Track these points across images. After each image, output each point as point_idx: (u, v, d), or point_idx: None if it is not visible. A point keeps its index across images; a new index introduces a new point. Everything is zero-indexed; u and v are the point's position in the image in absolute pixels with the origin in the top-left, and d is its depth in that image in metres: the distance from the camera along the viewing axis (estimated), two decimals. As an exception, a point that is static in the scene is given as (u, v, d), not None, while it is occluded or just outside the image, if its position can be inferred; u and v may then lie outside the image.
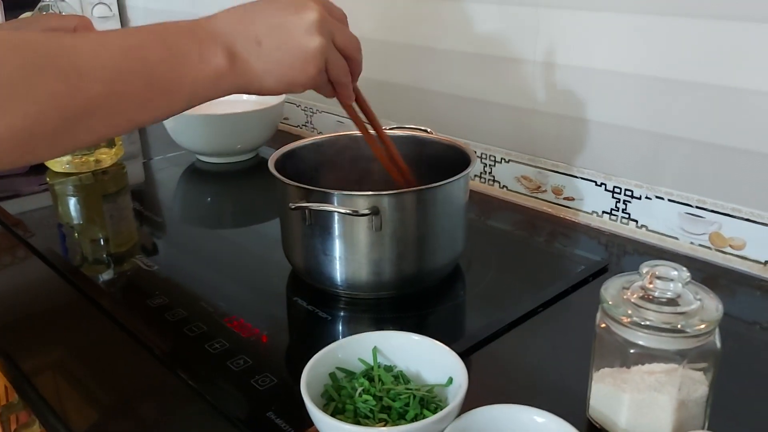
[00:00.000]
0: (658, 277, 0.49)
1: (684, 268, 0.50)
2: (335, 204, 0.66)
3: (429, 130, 0.83)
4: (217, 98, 0.54)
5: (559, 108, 0.89)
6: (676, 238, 0.81)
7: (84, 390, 0.61)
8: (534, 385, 0.60)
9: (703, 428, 0.50)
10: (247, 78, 0.54)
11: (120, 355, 0.65)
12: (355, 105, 0.68)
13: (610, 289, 0.52)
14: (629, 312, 0.49)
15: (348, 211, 0.65)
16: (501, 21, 0.92)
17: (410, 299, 0.72)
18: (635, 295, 0.50)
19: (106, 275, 0.81)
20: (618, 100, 0.83)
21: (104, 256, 0.87)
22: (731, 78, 0.72)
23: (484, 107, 0.98)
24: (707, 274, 0.76)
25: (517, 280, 0.79)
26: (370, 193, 0.66)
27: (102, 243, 0.90)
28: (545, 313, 0.70)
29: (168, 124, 1.14)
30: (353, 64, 0.61)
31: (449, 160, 0.78)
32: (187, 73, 0.51)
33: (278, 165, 0.74)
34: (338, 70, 0.59)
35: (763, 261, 0.75)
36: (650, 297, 0.49)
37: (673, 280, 0.49)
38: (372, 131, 0.73)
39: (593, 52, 0.83)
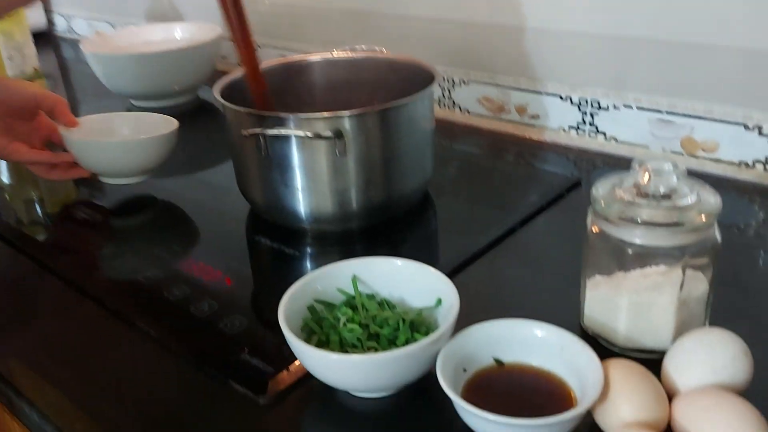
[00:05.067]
0: (652, 172, 0.46)
1: (678, 162, 0.47)
2: (293, 128, 0.60)
3: (383, 49, 0.77)
4: None
5: (516, 19, 0.84)
6: (647, 147, 0.79)
7: (36, 354, 0.54)
8: (522, 302, 0.57)
9: (704, 325, 0.48)
10: None
11: (71, 313, 0.59)
12: None
13: (601, 189, 0.48)
14: (623, 210, 0.46)
15: (308, 134, 0.59)
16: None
17: (380, 230, 0.68)
18: (628, 193, 0.47)
19: (46, 232, 0.74)
20: (577, 4, 0.78)
21: (41, 214, 0.79)
22: (699, -30, 0.69)
23: (437, 26, 0.92)
24: (680, 181, 0.74)
25: (490, 204, 0.75)
26: (331, 114, 0.61)
27: (37, 202, 0.82)
28: (523, 230, 0.67)
29: (97, 67, 1.05)
30: None
31: (408, 80, 0.72)
32: None
33: (224, 95, 0.67)
34: None
35: (737, 161, 0.73)
36: (645, 193, 0.46)
37: (667, 173, 0.46)
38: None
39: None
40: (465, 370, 0.44)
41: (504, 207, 0.73)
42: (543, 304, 0.55)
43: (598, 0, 0.77)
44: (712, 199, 0.46)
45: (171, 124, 0.77)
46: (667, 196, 0.46)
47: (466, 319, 0.45)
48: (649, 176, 0.46)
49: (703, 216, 0.45)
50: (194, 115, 1.08)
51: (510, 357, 0.45)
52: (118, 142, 0.77)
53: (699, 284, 0.47)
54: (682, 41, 0.72)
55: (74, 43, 1.52)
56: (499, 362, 0.45)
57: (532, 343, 0.45)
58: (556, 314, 0.47)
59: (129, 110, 1.09)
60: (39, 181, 0.81)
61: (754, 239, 0.64)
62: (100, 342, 0.55)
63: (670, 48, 0.73)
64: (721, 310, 0.50)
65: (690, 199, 0.45)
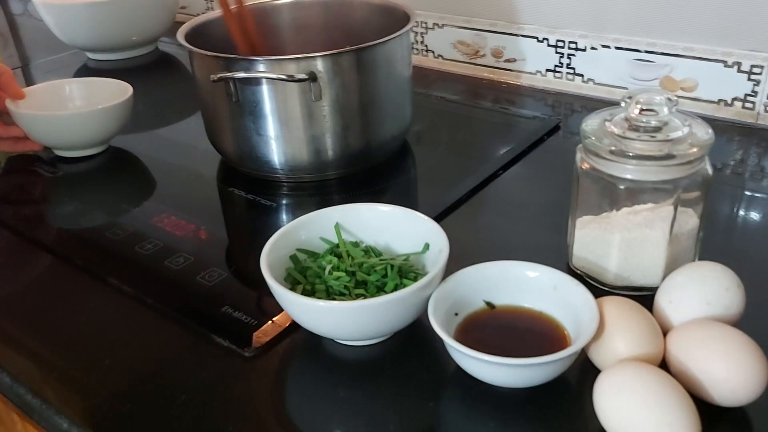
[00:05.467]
0: (643, 104, 0.45)
1: (670, 93, 0.45)
2: (264, 70, 0.57)
3: (356, -10, 0.74)
4: None
5: (493, -40, 0.81)
6: (625, 88, 0.77)
7: (7, 320, 0.51)
8: (508, 245, 0.56)
9: (694, 260, 0.48)
10: None
11: (40, 274, 0.56)
12: None
13: (591, 124, 0.47)
14: (615, 144, 0.44)
15: (281, 76, 0.56)
16: None
17: (358, 179, 0.65)
18: (619, 127, 0.45)
19: (2, 186, 0.70)
20: (557, -58, 0.76)
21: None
22: None
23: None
24: (659, 121, 0.73)
25: (470, 150, 0.73)
26: (303, 55, 0.58)
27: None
28: (506, 175, 0.66)
29: (49, 19, 0.99)
30: None
31: (382, 22, 0.70)
32: None
33: (189, 41, 0.64)
34: None
35: (716, 100, 0.72)
36: (636, 127, 0.45)
37: (658, 105, 0.45)
38: None
39: None
40: (456, 314, 0.43)
41: (483, 154, 0.71)
42: (528, 248, 0.54)
43: (575, -64, 0.74)
44: (704, 132, 0.45)
45: (125, 90, 0.73)
46: (658, 129, 0.45)
47: (452, 262, 0.44)
48: (640, 109, 0.45)
49: (695, 148, 0.43)
50: (154, 67, 1.03)
51: (502, 299, 0.44)
52: (68, 114, 0.71)
53: (689, 219, 0.47)
54: (661, -23, 0.70)
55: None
56: (490, 305, 0.44)
57: (524, 284, 0.44)
58: (541, 257, 0.46)
59: (85, 64, 1.04)
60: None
61: (734, 177, 0.64)
62: (69, 300, 0.52)
63: (650, -16, 0.72)
64: (708, 244, 0.49)
65: (681, 132, 0.44)
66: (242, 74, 0.56)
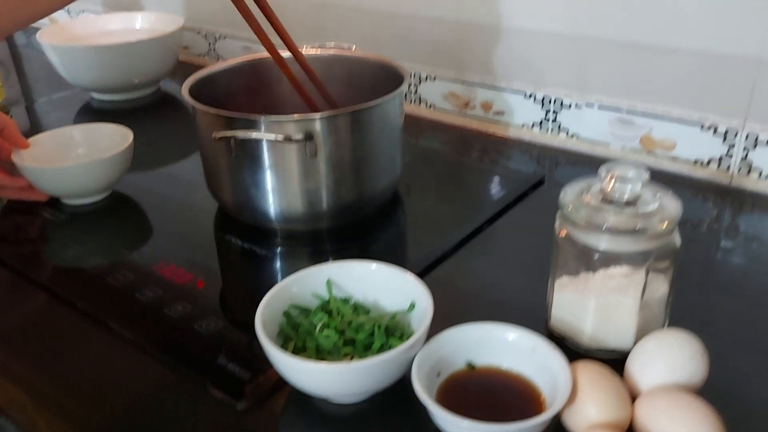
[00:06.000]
0: (617, 179, 0.48)
1: (642, 167, 0.48)
2: (264, 130, 0.60)
3: (352, 47, 0.77)
4: None
5: (483, 17, 0.85)
6: (608, 145, 0.81)
7: (4, 360, 0.53)
8: (490, 303, 0.58)
9: (664, 326, 0.51)
10: None
11: (39, 315, 0.58)
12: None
13: (569, 194, 0.50)
14: (590, 216, 0.48)
15: (279, 138, 0.59)
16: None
17: (350, 229, 0.68)
18: (595, 199, 0.48)
19: (6, 229, 0.72)
20: (544, 5, 0.80)
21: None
22: (659, -25, 0.71)
23: (405, 21, 0.92)
24: (639, 178, 0.77)
25: (457, 201, 0.76)
26: (301, 116, 0.61)
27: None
28: (490, 230, 0.69)
29: (55, 59, 1.02)
30: None
31: (377, 78, 0.73)
32: None
33: (193, 93, 0.67)
34: None
35: (693, 160, 0.76)
36: (610, 199, 0.48)
37: (632, 180, 0.48)
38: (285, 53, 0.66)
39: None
40: (439, 374, 0.45)
41: (471, 205, 0.74)
42: (511, 303, 0.57)
43: (563, 2, 0.78)
44: (674, 206, 0.48)
45: (126, 136, 0.76)
46: (631, 203, 0.48)
47: (437, 318, 0.47)
48: (615, 183, 0.48)
49: (665, 223, 0.47)
50: (156, 108, 1.06)
51: (482, 360, 0.47)
52: (70, 166, 0.73)
53: (660, 286, 0.50)
54: (642, 44, 0.74)
55: (28, 29, 1.47)
56: (471, 366, 0.46)
57: (504, 345, 0.46)
58: (525, 315, 0.49)
59: (88, 103, 1.07)
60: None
61: (708, 235, 0.67)
62: (70, 344, 0.54)
63: (631, 50, 0.75)
64: (678, 306, 0.52)
65: (653, 206, 0.47)
66: (242, 134, 0.59)
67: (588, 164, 0.81)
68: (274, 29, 0.64)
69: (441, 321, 0.47)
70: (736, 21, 0.68)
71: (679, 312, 0.52)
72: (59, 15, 1.46)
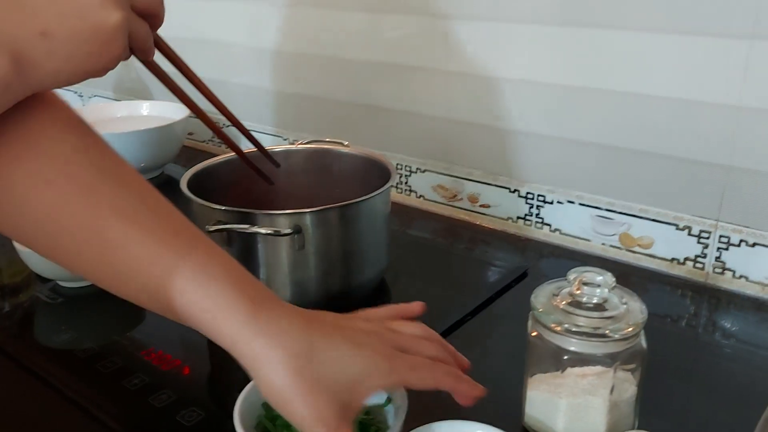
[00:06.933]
0: (585, 283, 0.51)
1: (609, 273, 0.51)
2: (256, 224, 0.63)
3: (346, 143, 0.82)
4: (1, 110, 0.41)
5: (473, 116, 0.90)
6: (589, 240, 0.84)
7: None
8: (468, 397, 0.59)
9: (633, 427, 0.52)
10: (36, 81, 0.41)
11: (26, 399, 0.59)
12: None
13: (540, 296, 0.52)
14: (560, 319, 0.50)
15: (269, 232, 0.63)
16: (411, 29, 0.92)
17: (336, 317, 0.70)
18: (564, 302, 0.51)
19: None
20: (529, 107, 0.85)
21: (-3, 290, 0.80)
22: (634, 84, 0.75)
23: (398, 116, 0.98)
24: (619, 273, 0.77)
25: (442, 291, 0.79)
26: (292, 211, 0.64)
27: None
28: (472, 322, 0.71)
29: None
30: (155, 21, 0.49)
31: (367, 173, 0.77)
32: None
33: (191, 184, 0.71)
34: (142, 37, 0.47)
35: (669, 258, 0.79)
36: (578, 303, 0.50)
37: (599, 285, 0.51)
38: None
39: (505, 62, 0.85)
40: (411, 471, 0.46)
41: (456, 295, 0.76)
42: (489, 396, 0.58)
43: (546, 104, 0.83)
44: (639, 310, 0.50)
45: None
46: (598, 306, 0.50)
47: (415, 412, 0.48)
48: (583, 287, 0.51)
49: (631, 327, 0.49)
50: (159, 191, 1.10)
51: (453, 457, 0.48)
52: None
53: (629, 386, 0.51)
54: (620, 146, 0.79)
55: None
56: (443, 463, 0.48)
57: (474, 444, 0.48)
58: (500, 410, 0.50)
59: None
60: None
61: (686, 330, 0.69)
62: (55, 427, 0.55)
63: (610, 151, 0.80)
64: (653, 399, 0.53)
65: (619, 311, 0.50)
66: (235, 227, 0.63)
67: (571, 258, 0.84)
68: (189, 80, 0.62)
69: (417, 415, 0.48)
70: (706, 129, 0.72)
71: (654, 409, 0.53)
72: (71, 97, 1.53)
